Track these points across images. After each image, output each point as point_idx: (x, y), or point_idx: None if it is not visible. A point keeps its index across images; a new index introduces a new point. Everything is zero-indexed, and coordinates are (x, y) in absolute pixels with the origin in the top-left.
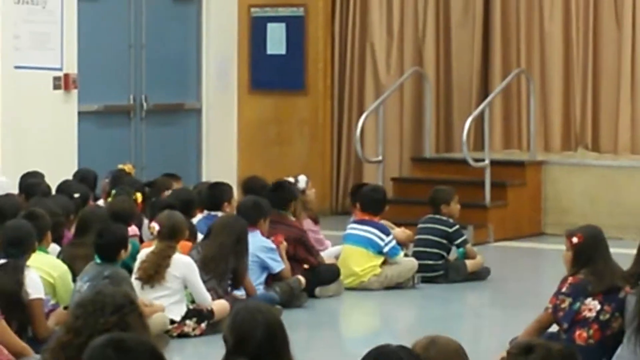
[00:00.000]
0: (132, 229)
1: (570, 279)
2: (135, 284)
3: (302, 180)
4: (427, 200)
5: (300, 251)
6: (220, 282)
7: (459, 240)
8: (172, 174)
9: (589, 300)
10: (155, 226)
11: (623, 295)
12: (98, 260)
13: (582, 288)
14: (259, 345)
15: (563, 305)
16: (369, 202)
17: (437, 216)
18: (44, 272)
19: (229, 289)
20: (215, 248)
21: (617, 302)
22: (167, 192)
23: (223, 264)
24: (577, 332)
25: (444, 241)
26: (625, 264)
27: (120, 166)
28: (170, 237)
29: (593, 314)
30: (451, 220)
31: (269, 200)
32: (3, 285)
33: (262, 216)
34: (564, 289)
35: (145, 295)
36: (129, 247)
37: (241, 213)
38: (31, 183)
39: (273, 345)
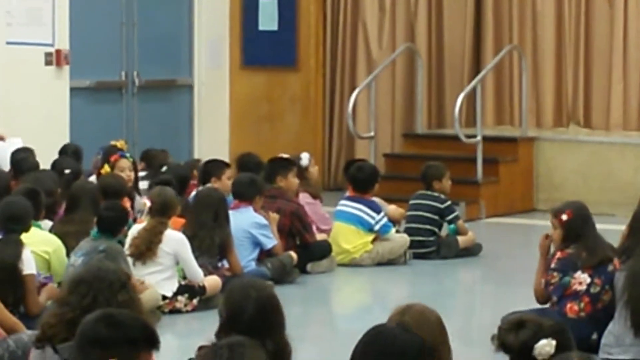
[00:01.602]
0: None
1: (558, 254)
2: (128, 261)
3: (305, 158)
4: (419, 177)
5: (297, 224)
6: (209, 258)
7: (451, 217)
8: (162, 150)
9: (578, 274)
10: (147, 202)
11: (612, 268)
12: (96, 235)
13: (571, 262)
14: (250, 320)
15: (553, 281)
16: (355, 182)
17: (429, 192)
18: (39, 247)
19: (219, 264)
20: (195, 225)
21: (606, 275)
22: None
23: (207, 240)
24: (569, 305)
25: (436, 217)
26: (616, 240)
27: (113, 142)
28: (161, 213)
29: (584, 287)
30: (443, 197)
31: (265, 174)
32: (4, 258)
33: (257, 193)
34: (552, 265)
35: (137, 272)
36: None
37: (236, 189)
38: (19, 158)
39: (264, 322)
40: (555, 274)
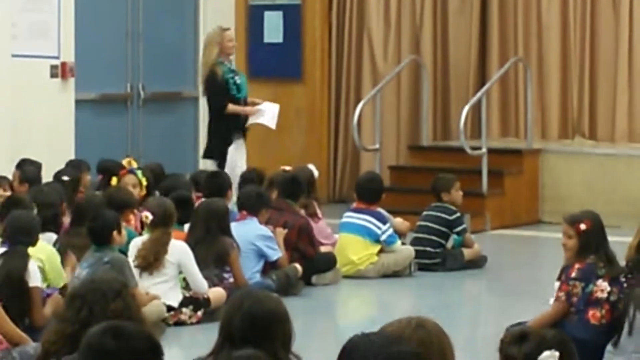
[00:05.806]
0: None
1: (577, 265)
2: (134, 271)
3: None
4: (428, 189)
5: (303, 240)
6: (203, 270)
7: (459, 228)
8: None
9: (599, 282)
10: (148, 215)
11: (623, 279)
12: (94, 247)
13: (592, 271)
14: (237, 331)
15: (575, 290)
16: (364, 192)
17: (440, 204)
18: (33, 256)
19: (225, 275)
20: (191, 238)
21: (620, 285)
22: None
23: (201, 252)
24: (591, 312)
25: (444, 229)
26: (623, 253)
27: (125, 160)
28: (165, 223)
29: (605, 294)
30: (452, 208)
31: (282, 189)
32: (12, 270)
33: (264, 206)
34: (573, 275)
35: (143, 282)
36: (123, 231)
37: (242, 201)
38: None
39: (253, 334)
40: (577, 283)
